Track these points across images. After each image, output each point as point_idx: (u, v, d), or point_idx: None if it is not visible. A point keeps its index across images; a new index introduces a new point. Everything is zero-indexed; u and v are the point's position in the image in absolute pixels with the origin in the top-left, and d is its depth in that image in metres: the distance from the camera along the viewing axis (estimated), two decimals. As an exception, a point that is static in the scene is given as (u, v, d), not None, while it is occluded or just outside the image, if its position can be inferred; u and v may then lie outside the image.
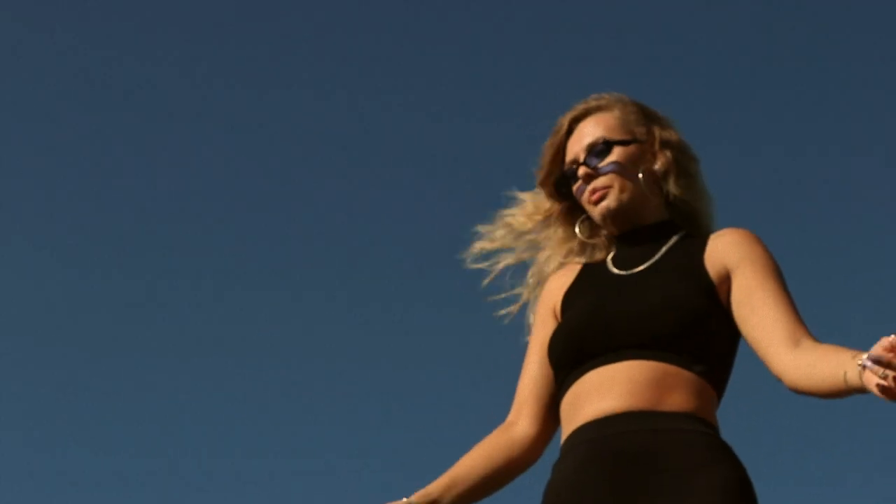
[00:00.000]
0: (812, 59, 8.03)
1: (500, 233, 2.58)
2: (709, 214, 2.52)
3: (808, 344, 2.18)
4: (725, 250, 2.36)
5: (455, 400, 7.30)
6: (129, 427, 7.43)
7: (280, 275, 7.83)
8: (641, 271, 2.40)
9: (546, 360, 2.42)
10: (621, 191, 2.44)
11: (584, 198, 2.46)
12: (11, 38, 7.82)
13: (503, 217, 2.58)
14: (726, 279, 2.35)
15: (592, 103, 2.51)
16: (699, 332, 2.29)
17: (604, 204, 2.44)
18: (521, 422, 2.44)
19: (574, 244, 2.55)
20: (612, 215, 2.45)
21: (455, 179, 7.86)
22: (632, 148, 2.47)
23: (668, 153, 2.48)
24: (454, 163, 7.88)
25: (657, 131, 2.50)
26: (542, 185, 2.53)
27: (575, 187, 2.48)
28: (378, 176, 7.93)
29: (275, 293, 7.79)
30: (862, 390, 1.97)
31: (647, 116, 2.52)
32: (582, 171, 2.46)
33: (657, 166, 2.47)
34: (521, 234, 2.58)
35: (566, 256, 2.56)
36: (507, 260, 2.58)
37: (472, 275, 2.60)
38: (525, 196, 2.59)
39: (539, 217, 2.56)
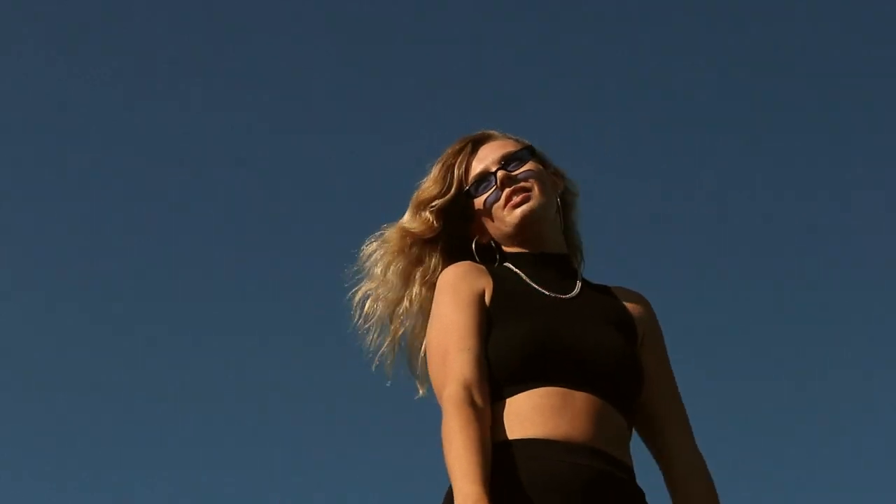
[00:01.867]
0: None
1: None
2: (582, 260, 2.55)
3: (700, 472, 2.35)
4: (642, 314, 2.43)
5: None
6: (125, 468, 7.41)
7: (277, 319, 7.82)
8: (576, 299, 2.39)
9: (482, 344, 2.30)
10: (542, 195, 2.44)
11: (501, 203, 2.43)
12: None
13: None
14: (641, 343, 2.40)
15: (493, 132, 2.53)
16: (640, 392, 2.35)
17: (527, 206, 2.42)
18: (478, 400, 2.24)
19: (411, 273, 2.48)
20: (533, 219, 2.42)
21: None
22: (541, 166, 2.49)
23: (564, 184, 2.53)
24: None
25: (550, 166, 2.53)
26: (432, 202, 2.46)
27: (483, 197, 2.45)
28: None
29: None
30: None
31: (540, 153, 2.53)
32: (501, 174, 2.43)
33: (560, 190, 2.50)
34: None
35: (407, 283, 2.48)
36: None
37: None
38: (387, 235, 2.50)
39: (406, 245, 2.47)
